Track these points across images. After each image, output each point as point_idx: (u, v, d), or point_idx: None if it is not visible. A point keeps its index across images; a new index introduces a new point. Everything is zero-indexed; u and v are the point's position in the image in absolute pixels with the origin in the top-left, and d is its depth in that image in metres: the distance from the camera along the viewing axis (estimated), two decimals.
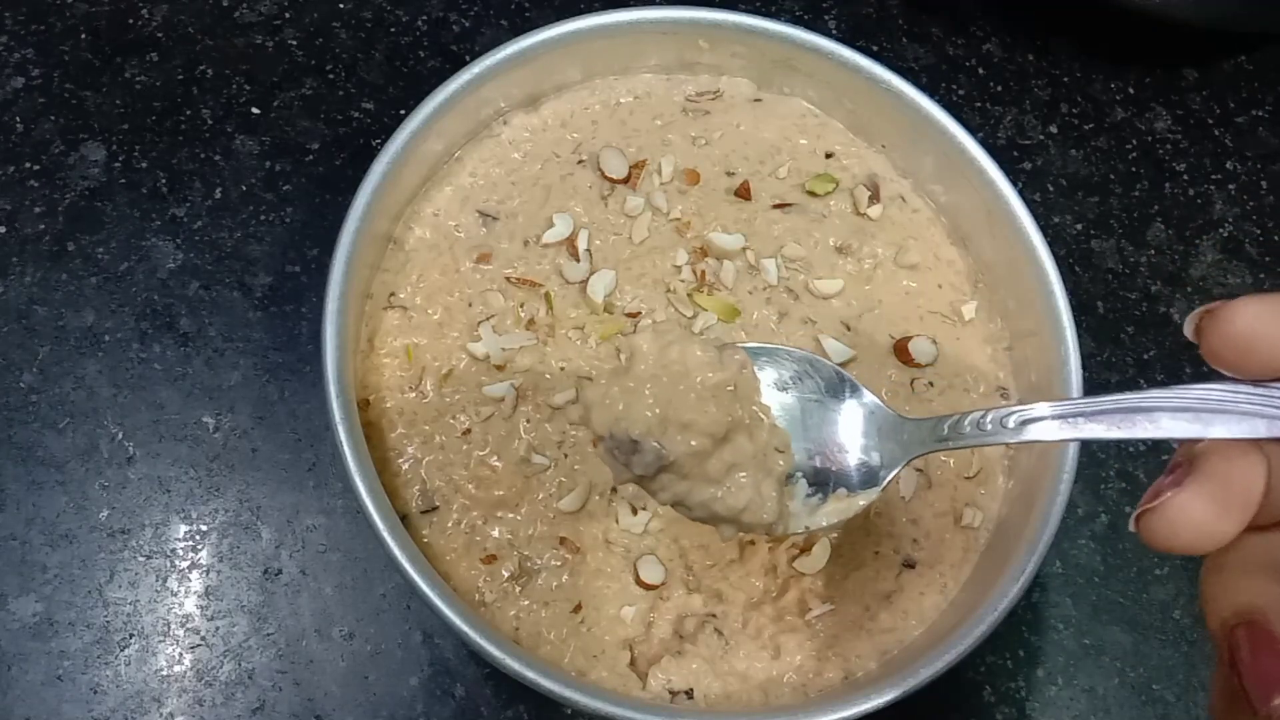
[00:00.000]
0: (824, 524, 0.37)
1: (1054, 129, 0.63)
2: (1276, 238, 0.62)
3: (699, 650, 0.42)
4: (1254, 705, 0.25)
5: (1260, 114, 0.65)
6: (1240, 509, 0.26)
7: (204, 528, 0.50)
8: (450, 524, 0.43)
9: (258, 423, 0.52)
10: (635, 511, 0.43)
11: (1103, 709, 0.51)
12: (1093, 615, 0.52)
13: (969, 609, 0.41)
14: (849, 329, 0.47)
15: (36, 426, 0.51)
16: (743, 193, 0.49)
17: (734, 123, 0.50)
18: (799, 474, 0.37)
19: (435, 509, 0.43)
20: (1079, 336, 0.44)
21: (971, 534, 0.45)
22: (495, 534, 0.43)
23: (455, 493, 0.43)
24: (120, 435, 0.51)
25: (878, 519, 0.45)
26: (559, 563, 0.42)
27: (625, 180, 0.48)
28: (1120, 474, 0.55)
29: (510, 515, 0.43)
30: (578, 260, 0.46)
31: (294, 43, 0.60)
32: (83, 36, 0.59)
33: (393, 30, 0.61)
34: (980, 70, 0.64)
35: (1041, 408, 0.32)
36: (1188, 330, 0.28)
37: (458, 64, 0.47)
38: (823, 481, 0.37)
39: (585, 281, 0.46)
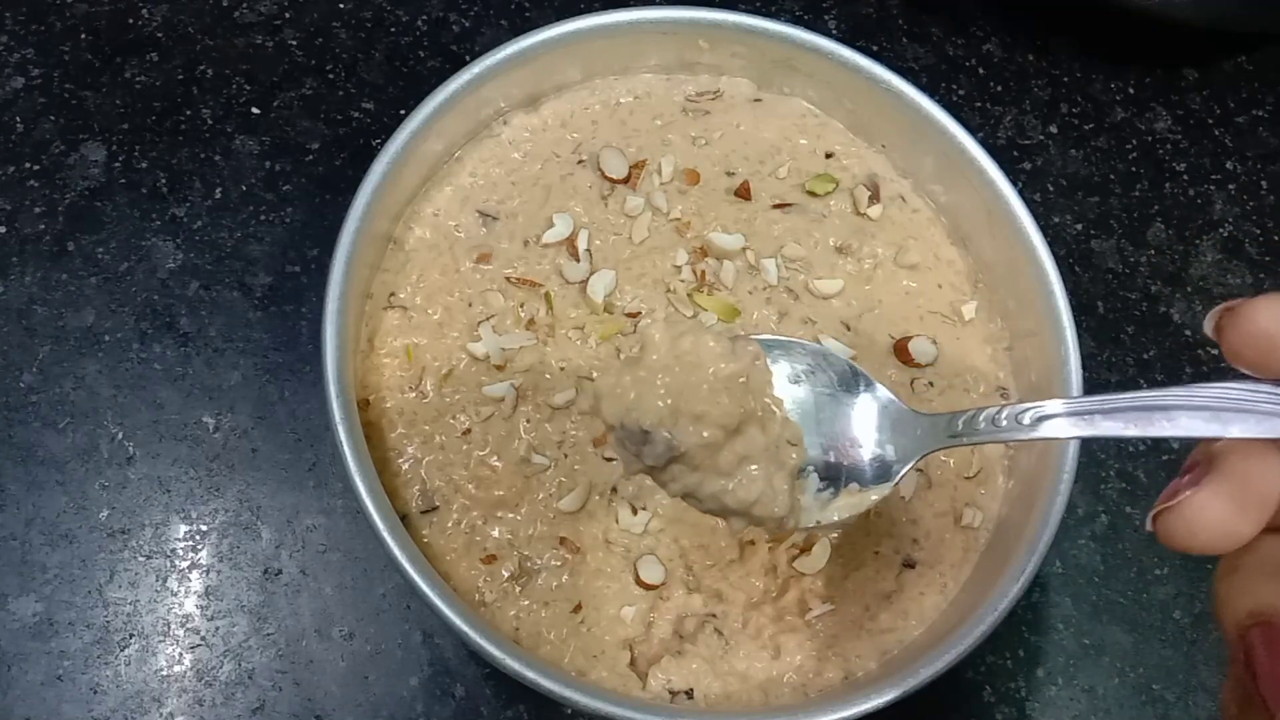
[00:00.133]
0: (835, 518, 0.37)
1: (1054, 129, 0.63)
2: (1276, 238, 0.62)
3: (699, 650, 0.42)
4: (1269, 707, 0.25)
5: (1260, 114, 0.65)
6: (1259, 509, 0.26)
7: (204, 528, 0.50)
8: (450, 524, 0.43)
9: (258, 423, 0.52)
10: (635, 511, 0.43)
11: (1103, 709, 0.51)
12: (1093, 615, 0.52)
13: (969, 609, 0.41)
14: (849, 329, 0.47)
15: (36, 426, 0.51)
16: (743, 193, 0.49)
17: (734, 123, 0.50)
18: (810, 468, 0.37)
19: (435, 509, 0.43)
20: (1079, 336, 0.44)
21: (971, 534, 0.45)
22: (495, 534, 0.43)
23: (455, 493, 0.43)
24: (120, 435, 0.51)
25: (878, 519, 0.45)
26: (559, 563, 0.42)
27: (625, 180, 0.48)
28: (1120, 474, 0.55)
29: (510, 515, 0.43)
30: (578, 260, 0.46)
31: (294, 43, 0.60)
32: (83, 36, 0.59)
33: (393, 30, 0.61)
34: (980, 70, 0.64)
35: (1058, 404, 0.31)
36: (1207, 328, 0.28)
37: (458, 64, 0.47)
38: (834, 476, 0.37)
39: (585, 281, 0.46)
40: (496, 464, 0.43)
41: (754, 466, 0.35)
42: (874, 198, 0.49)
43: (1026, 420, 0.32)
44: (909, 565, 0.44)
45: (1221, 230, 0.62)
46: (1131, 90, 0.65)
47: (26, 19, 0.59)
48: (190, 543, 0.50)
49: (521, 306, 0.46)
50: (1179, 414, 0.28)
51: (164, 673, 0.48)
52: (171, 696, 0.48)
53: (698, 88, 0.51)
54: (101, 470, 0.51)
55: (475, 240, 0.47)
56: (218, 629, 0.49)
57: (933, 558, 0.44)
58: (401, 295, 0.46)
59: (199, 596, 0.49)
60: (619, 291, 0.46)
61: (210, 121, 0.58)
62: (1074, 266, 0.60)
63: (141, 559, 0.50)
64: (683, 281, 0.47)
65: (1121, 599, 0.53)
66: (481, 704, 0.48)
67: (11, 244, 0.54)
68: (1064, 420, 0.31)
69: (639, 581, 0.42)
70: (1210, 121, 0.64)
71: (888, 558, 0.44)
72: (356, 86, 0.59)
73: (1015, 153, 0.62)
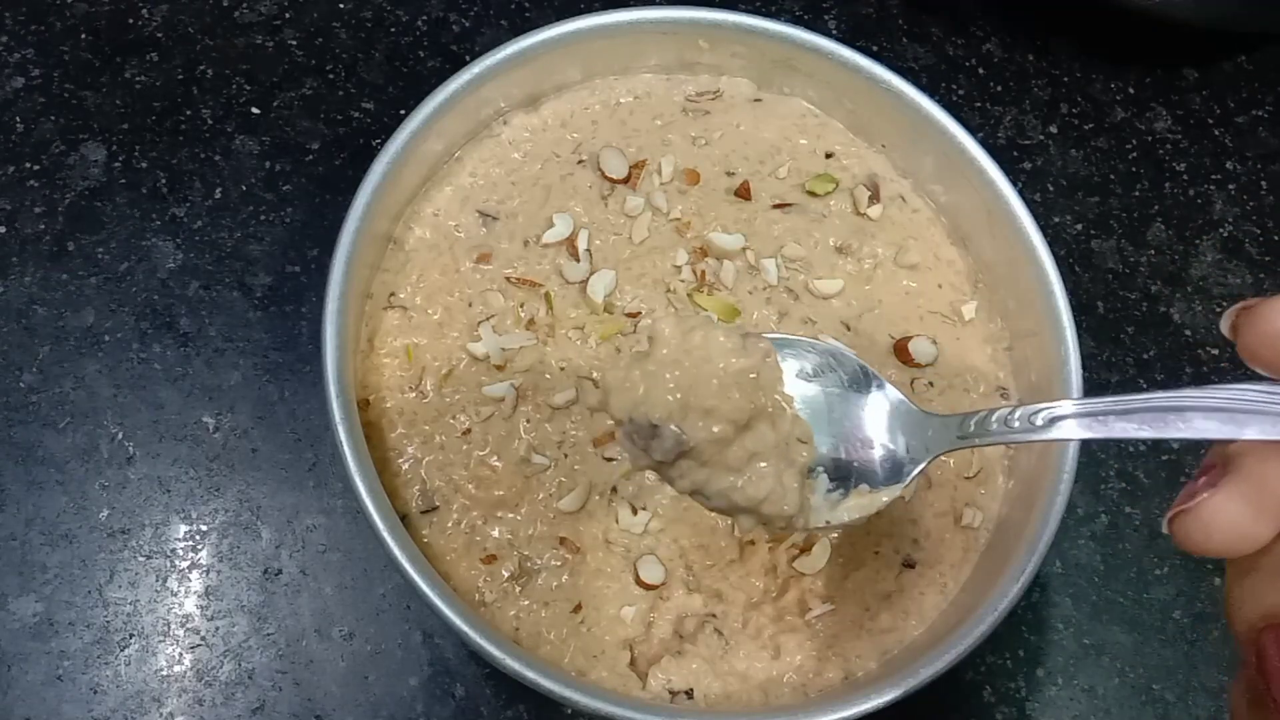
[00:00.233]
0: (845, 519, 0.36)
1: (1054, 129, 0.63)
2: (1276, 238, 0.62)
3: (699, 650, 0.42)
4: None
5: (1260, 114, 0.65)
6: (1275, 512, 0.25)
7: (204, 528, 0.50)
8: (450, 524, 0.43)
9: (258, 423, 0.52)
10: (635, 511, 0.43)
11: (1103, 709, 0.51)
12: (1093, 615, 0.52)
13: (969, 609, 0.41)
14: (849, 329, 0.47)
15: (36, 426, 0.51)
16: (743, 193, 0.49)
17: (734, 123, 0.50)
18: (820, 468, 0.36)
19: (435, 509, 0.43)
20: (1079, 336, 0.44)
21: (971, 534, 0.45)
22: (495, 534, 0.43)
23: (455, 493, 0.43)
24: (120, 435, 0.51)
25: (878, 519, 0.44)
26: (559, 563, 0.42)
27: (625, 180, 0.48)
28: (1120, 474, 0.55)
29: (510, 515, 0.43)
30: (578, 260, 0.46)
31: (294, 43, 0.60)
32: (83, 36, 0.59)
33: (393, 30, 0.61)
34: (980, 70, 0.64)
35: (1070, 405, 0.31)
36: (1224, 327, 0.27)
37: (458, 64, 0.47)
38: (844, 476, 0.37)
39: (585, 281, 0.46)
40: (496, 464, 0.43)
41: (763, 463, 0.35)
42: (874, 198, 0.49)
43: (1039, 421, 0.32)
44: (909, 565, 0.44)
45: (1221, 230, 0.62)
46: (1131, 90, 0.65)
47: (26, 19, 0.59)
48: (190, 543, 0.50)
49: (521, 306, 0.46)
50: (1194, 415, 0.28)
51: (164, 673, 0.48)
52: (171, 696, 0.48)
53: (698, 88, 0.51)
54: (101, 470, 0.51)
55: (475, 240, 0.47)
56: (218, 629, 0.49)
57: (933, 558, 0.44)
58: (401, 295, 0.46)
59: (199, 596, 0.49)
60: (619, 291, 0.46)
61: (210, 121, 0.58)
62: (1074, 266, 0.60)
63: (141, 559, 0.50)
64: (683, 281, 0.47)
65: (1121, 599, 0.53)
66: (481, 704, 0.48)
67: (11, 244, 0.54)
68: (1077, 421, 0.31)
69: (639, 581, 0.42)
70: (1210, 121, 0.64)
71: (888, 558, 0.44)
72: (356, 86, 0.59)
73: (1015, 153, 0.62)
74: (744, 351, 0.34)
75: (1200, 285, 0.60)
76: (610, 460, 0.44)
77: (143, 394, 0.52)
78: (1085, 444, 0.49)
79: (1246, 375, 0.27)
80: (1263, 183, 0.63)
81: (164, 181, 0.56)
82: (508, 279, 0.46)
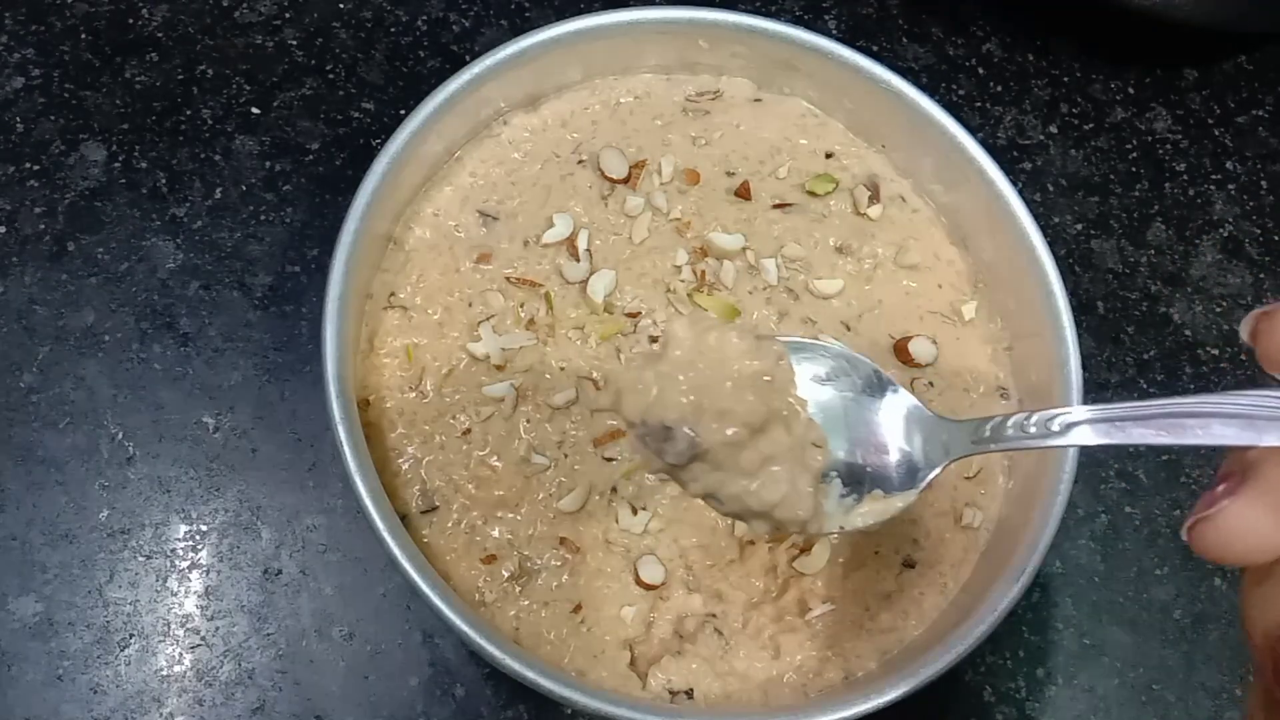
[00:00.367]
0: (860, 525, 0.36)
1: (1054, 129, 0.63)
2: (1276, 238, 0.62)
3: (699, 650, 0.42)
4: None
5: (1260, 114, 0.65)
6: None
7: (204, 528, 0.50)
8: (450, 524, 0.43)
9: (258, 423, 0.52)
10: (635, 511, 0.43)
11: (1103, 709, 0.51)
12: (1093, 615, 0.52)
13: (969, 609, 0.41)
14: (849, 329, 0.47)
15: (36, 426, 0.51)
16: (743, 193, 0.49)
17: (734, 123, 0.50)
18: (834, 473, 0.36)
19: (435, 509, 0.43)
20: (1079, 336, 0.44)
21: (971, 534, 0.45)
22: (495, 534, 0.43)
23: (455, 493, 0.43)
24: (120, 435, 0.51)
25: None
26: (559, 563, 0.42)
27: (625, 180, 0.48)
28: (1120, 474, 0.55)
29: (510, 515, 0.43)
30: (578, 260, 0.46)
31: (294, 43, 0.60)
32: (83, 36, 0.59)
33: (393, 30, 0.61)
34: (980, 70, 0.64)
35: (1088, 411, 0.31)
36: (1244, 333, 0.27)
37: (458, 64, 0.47)
38: (857, 481, 0.36)
39: (585, 281, 0.46)
40: (496, 464, 0.43)
41: (777, 467, 0.34)
42: (874, 198, 0.49)
43: (1056, 427, 0.31)
44: (909, 565, 0.44)
45: (1221, 230, 0.62)
46: (1131, 90, 0.65)
47: (26, 19, 0.59)
48: (190, 543, 0.50)
49: (521, 306, 0.46)
50: (1212, 421, 0.28)
51: (164, 673, 0.48)
52: (171, 696, 0.48)
53: (698, 88, 0.51)
54: (101, 470, 0.51)
55: (475, 240, 0.47)
56: (218, 629, 0.49)
57: (933, 558, 0.44)
58: (401, 295, 0.46)
59: (199, 596, 0.49)
60: (619, 291, 0.46)
61: (210, 121, 0.58)
62: (1074, 266, 0.60)
63: (141, 559, 0.50)
64: (683, 281, 0.47)
65: (1121, 599, 0.53)
66: (481, 704, 0.48)
67: (11, 244, 0.54)
68: (1094, 427, 0.30)
69: (639, 581, 0.42)
70: (1210, 121, 0.64)
71: (888, 558, 0.44)
72: (356, 86, 0.59)
73: (1015, 153, 0.62)
74: (758, 353, 0.34)
75: (1200, 285, 0.60)
76: (610, 460, 0.44)
77: (143, 394, 0.52)
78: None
79: (1258, 379, 0.27)
80: (1263, 183, 0.63)
81: (164, 181, 0.56)
82: (508, 279, 0.46)
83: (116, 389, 0.52)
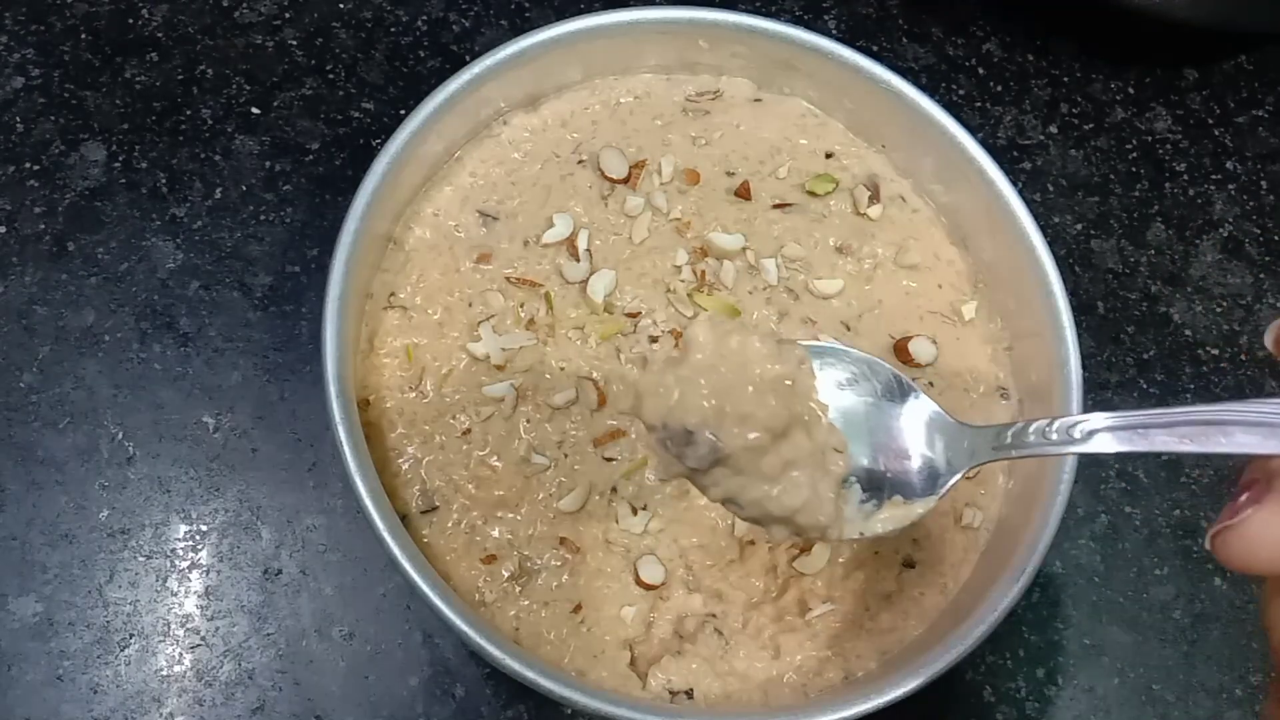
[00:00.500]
0: (880, 530, 0.36)
1: (1054, 129, 0.63)
2: (1276, 238, 0.62)
3: (699, 650, 0.42)
4: None
5: (1260, 114, 0.65)
6: None
7: (204, 528, 0.50)
8: (450, 524, 0.43)
9: (258, 423, 0.52)
10: (635, 511, 0.43)
11: (1103, 709, 0.51)
12: (1093, 615, 0.52)
13: (969, 609, 0.41)
14: (849, 329, 0.47)
15: (36, 426, 0.51)
16: (743, 193, 0.49)
17: (734, 123, 0.50)
18: (853, 479, 0.36)
19: (435, 509, 0.43)
20: (1079, 336, 0.44)
21: (971, 534, 0.45)
22: (495, 534, 0.43)
23: (455, 493, 0.43)
24: (120, 435, 0.51)
25: None
26: (559, 563, 0.42)
27: (625, 180, 0.48)
28: (1120, 474, 0.55)
29: (510, 515, 0.43)
30: (578, 260, 0.46)
31: (294, 43, 0.60)
32: (83, 36, 0.59)
33: (393, 30, 0.61)
34: (980, 70, 0.64)
35: (1110, 418, 0.31)
36: (1268, 341, 0.27)
37: (458, 64, 0.47)
38: (877, 487, 0.36)
39: (585, 281, 0.46)
40: (496, 464, 0.43)
41: (798, 472, 0.34)
42: (874, 198, 0.49)
43: (1078, 434, 0.31)
44: (909, 565, 0.44)
45: (1221, 230, 0.62)
46: (1131, 90, 0.65)
47: (26, 19, 0.59)
48: (190, 543, 0.50)
49: (521, 306, 0.46)
50: (1235, 429, 0.27)
51: (164, 673, 0.48)
52: (171, 696, 0.48)
53: (698, 88, 0.51)
54: (101, 470, 0.51)
55: (475, 240, 0.47)
56: (218, 629, 0.49)
57: (933, 558, 0.44)
58: (401, 295, 0.46)
59: (199, 596, 0.49)
60: (619, 291, 0.46)
61: (210, 121, 0.58)
62: (1074, 266, 0.60)
63: (141, 559, 0.50)
64: (683, 281, 0.47)
65: (1121, 599, 0.53)
66: (481, 704, 0.48)
67: (11, 244, 0.54)
68: (1115, 434, 0.30)
69: (639, 581, 0.42)
70: (1210, 121, 0.64)
71: (888, 558, 0.44)
72: (356, 86, 0.59)
73: (1015, 153, 0.62)
74: (780, 358, 0.34)
75: (1200, 285, 0.60)
76: (610, 460, 0.44)
77: (143, 394, 0.52)
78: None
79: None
80: (1263, 183, 0.63)
81: (164, 181, 0.56)
82: (508, 279, 0.46)
83: (116, 389, 0.52)
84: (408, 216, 0.47)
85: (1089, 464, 0.55)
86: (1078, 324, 0.44)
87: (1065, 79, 0.64)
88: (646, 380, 0.34)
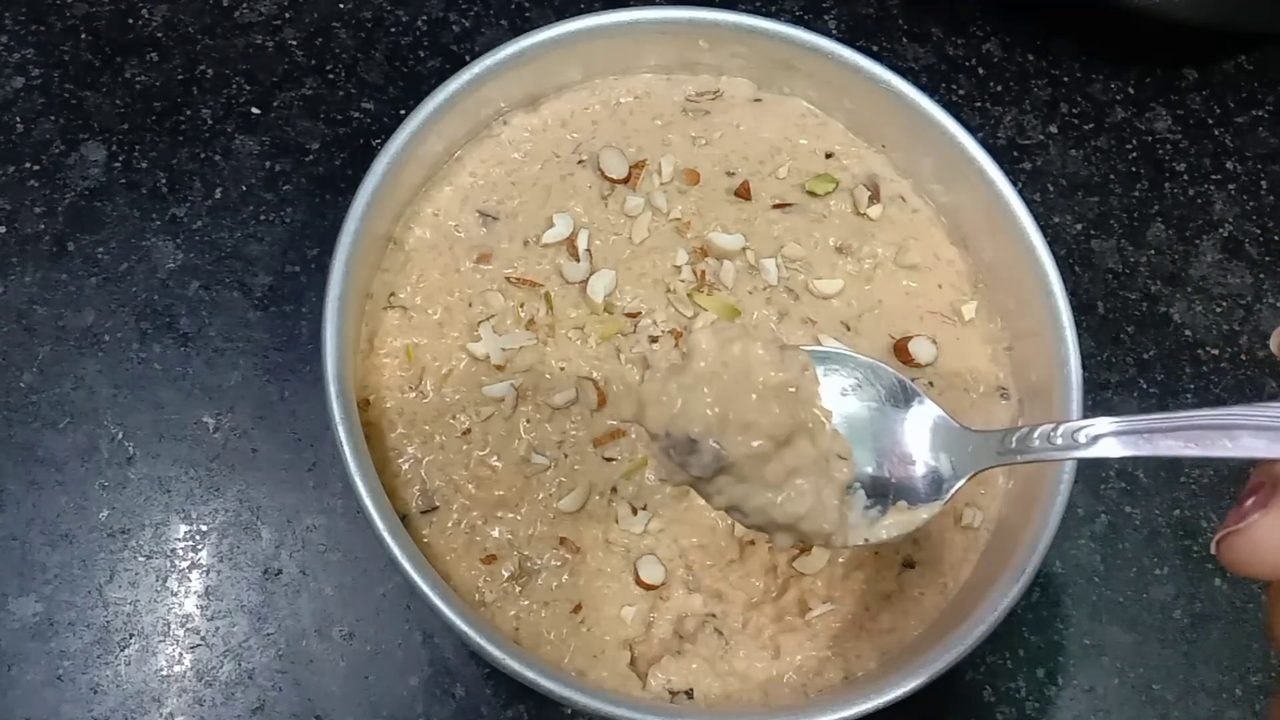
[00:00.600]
0: (884, 537, 0.36)
1: (1054, 129, 0.63)
2: (1276, 238, 0.62)
3: (699, 650, 0.42)
4: None
5: (1260, 114, 0.65)
6: None
7: (204, 528, 0.50)
8: (450, 524, 0.43)
9: (258, 423, 0.52)
10: (635, 511, 0.43)
11: (1103, 709, 0.51)
12: (1093, 615, 0.52)
13: (969, 609, 0.41)
14: (849, 329, 0.47)
15: (36, 426, 0.51)
16: (743, 193, 0.49)
17: (734, 123, 0.50)
18: (858, 485, 0.36)
19: (435, 509, 0.43)
20: (1079, 336, 0.44)
21: (971, 534, 0.45)
22: (495, 534, 0.43)
23: (455, 493, 0.43)
24: (120, 435, 0.51)
25: None
26: (559, 563, 0.42)
27: (625, 180, 0.48)
28: (1120, 474, 0.55)
29: (510, 515, 0.43)
30: (578, 260, 0.46)
31: (294, 43, 0.60)
32: (83, 36, 0.59)
33: (393, 30, 0.61)
34: (980, 70, 0.64)
35: (1115, 422, 0.31)
36: (1274, 345, 0.27)
37: (458, 64, 0.47)
38: (881, 493, 0.36)
39: (585, 281, 0.46)
40: (496, 464, 0.43)
41: (802, 480, 0.34)
42: (874, 198, 0.49)
43: (1082, 438, 0.31)
44: (909, 565, 0.44)
45: (1221, 230, 0.62)
46: (1131, 90, 0.65)
47: (26, 19, 0.59)
48: (190, 543, 0.50)
49: (521, 306, 0.46)
50: (1242, 434, 0.27)
51: (164, 673, 0.48)
52: (171, 696, 0.48)
53: (698, 88, 0.51)
54: (101, 470, 0.51)
55: (475, 240, 0.47)
56: (218, 629, 0.49)
57: (933, 558, 0.44)
58: (401, 295, 0.46)
59: (199, 596, 0.49)
60: (619, 291, 0.46)
61: (210, 121, 0.58)
62: (1074, 266, 0.60)
63: (141, 559, 0.50)
64: (683, 281, 0.47)
65: (1121, 599, 0.53)
66: (481, 704, 0.48)
67: (11, 244, 0.54)
68: (1121, 439, 0.30)
69: (639, 581, 0.42)
70: (1210, 121, 0.64)
71: (888, 558, 0.44)
72: (356, 86, 0.59)
73: (1015, 153, 0.62)
74: (783, 364, 0.34)
75: (1200, 285, 0.60)
76: (610, 460, 0.44)
77: (143, 394, 0.52)
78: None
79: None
80: (1263, 183, 0.63)
81: (164, 181, 0.56)
82: (508, 279, 0.46)
83: (116, 389, 0.52)
84: (408, 216, 0.47)
85: (1089, 464, 0.55)
86: (1078, 324, 0.44)
87: (1065, 79, 0.64)
88: (649, 389, 0.34)
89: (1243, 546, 0.26)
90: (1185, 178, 0.63)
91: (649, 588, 0.42)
